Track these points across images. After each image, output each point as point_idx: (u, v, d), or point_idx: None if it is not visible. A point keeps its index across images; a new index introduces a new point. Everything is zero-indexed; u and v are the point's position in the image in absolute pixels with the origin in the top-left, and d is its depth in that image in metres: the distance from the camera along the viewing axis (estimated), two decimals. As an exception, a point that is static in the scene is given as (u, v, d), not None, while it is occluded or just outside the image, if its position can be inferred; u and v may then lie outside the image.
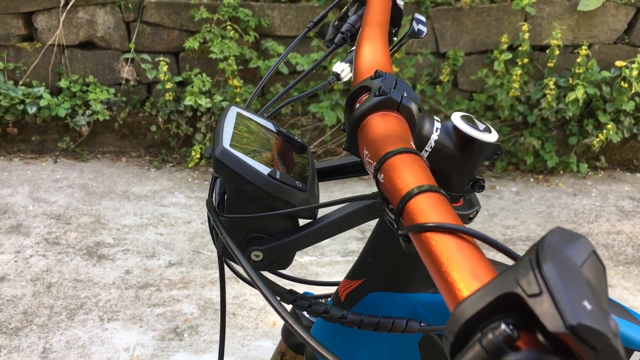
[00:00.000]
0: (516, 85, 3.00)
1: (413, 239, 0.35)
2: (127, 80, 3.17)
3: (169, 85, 3.00)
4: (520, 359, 0.25)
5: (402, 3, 0.72)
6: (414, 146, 0.41)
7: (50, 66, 3.15)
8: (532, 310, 0.24)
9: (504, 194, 2.99)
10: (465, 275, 0.30)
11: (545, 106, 3.02)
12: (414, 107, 0.46)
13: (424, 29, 0.73)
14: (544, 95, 3.04)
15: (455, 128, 0.48)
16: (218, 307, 2.11)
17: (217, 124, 0.49)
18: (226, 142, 0.46)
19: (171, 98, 3.05)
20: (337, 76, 0.66)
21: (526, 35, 2.99)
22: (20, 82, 3.13)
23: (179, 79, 3.13)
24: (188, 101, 2.94)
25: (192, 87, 2.99)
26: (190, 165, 3.04)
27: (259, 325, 2.01)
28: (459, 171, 0.49)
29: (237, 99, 3.00)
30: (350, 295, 0.57)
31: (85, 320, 2.01)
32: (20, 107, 3.04)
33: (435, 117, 0.50)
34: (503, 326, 0.26)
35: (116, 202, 2.76)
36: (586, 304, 0.24)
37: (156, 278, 2.25)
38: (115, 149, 3.27)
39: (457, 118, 0.49)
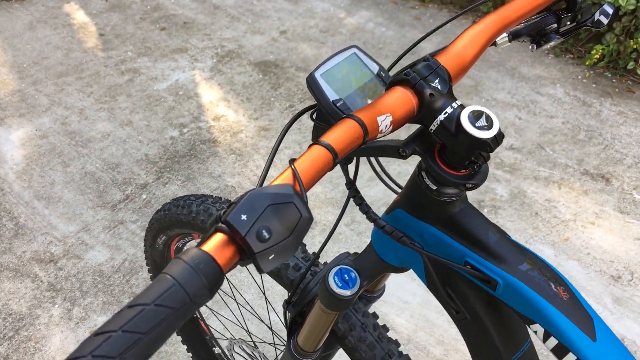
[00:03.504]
0: None
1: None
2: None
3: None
4: (223, 229, 0.48)
5: None
6: (376, 118, 0.59)
7: None
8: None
9: None
10: None
11: None
12: (426, 91, 0.61)
13: (604, 20, 0.78)
14: None
15: (458, 116, 0.61)
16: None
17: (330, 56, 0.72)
18: (319, 71, 0.66)
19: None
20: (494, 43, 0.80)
21: None
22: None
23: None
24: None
25: (623, -16, 2.82)
26: (587, 63, 2.99)
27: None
28: (456, 149, 0.63)
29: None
30: (391, 205, 0.80)
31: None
32: None
33: (454, 103, 0.62)
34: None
35: (501, 75, 2.99)
36: (244, 217, 0.46)
37: (493, 155, 2.51)
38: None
39: (467, 110, 0.61)
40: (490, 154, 0.64)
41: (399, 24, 3.43)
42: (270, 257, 0.47)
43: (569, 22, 0.80)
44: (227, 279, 1.01)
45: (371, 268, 0.84)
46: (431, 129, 0.63)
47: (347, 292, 0.81)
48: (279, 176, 0.53)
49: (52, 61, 3.15)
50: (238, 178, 2.41)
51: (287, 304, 0.97)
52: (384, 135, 0.62)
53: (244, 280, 2.02)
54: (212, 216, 0.50)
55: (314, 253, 0.93)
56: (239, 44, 3.27)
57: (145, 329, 0.41)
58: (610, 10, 0.79)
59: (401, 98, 0.62)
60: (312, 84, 0.67)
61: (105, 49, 3.24)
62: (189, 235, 1.23)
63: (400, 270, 0.83)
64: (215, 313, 1.57)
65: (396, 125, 0.62)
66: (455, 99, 0.63)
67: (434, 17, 3.49)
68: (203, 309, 1.69)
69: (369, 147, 0.69)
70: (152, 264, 1.40)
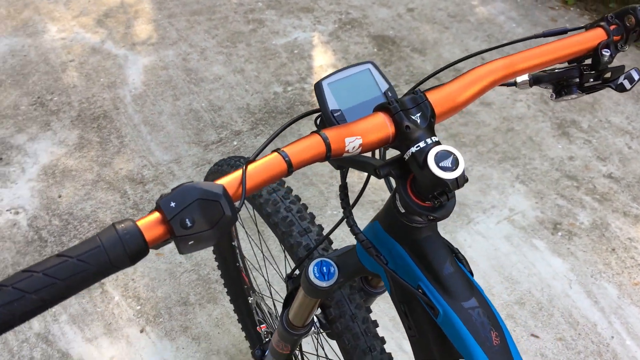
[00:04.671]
0: None
1: None
2: None
3: None
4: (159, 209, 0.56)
5: (608, 54, 0.75)
6: (344, 139, 0.63)
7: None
8: None
9: None
10: None
11: None
12: (403, 122, 0.65)
13: (628, 86, 0.75)
14: None
15: (427, 152, 0.63)
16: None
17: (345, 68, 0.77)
18: (328, 80, 0.71)
19: None
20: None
21: None
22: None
23: None
24: None
25: None
26: None
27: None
28: (421, 182, 0.66)
29: None
30: (375, 216, 0.82)
31: (505, 170, 2.41)
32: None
33: (430, 139, 0.65)
34: None
35: (624, 97, 2.80)
36: (173, 204, 0.53)
37: (587, 180, 2.40)
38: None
39: (437, 148, 0.63)
40: (457, 190, 0.66)
41: (532, 22, 3.29)
42: (189, 243, 0.55)
43: (592, 80, 0.78)
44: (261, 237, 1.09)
45: (350, 267, 0.89)
46: (405, 158, 0.67)
47: (322, 284, 0.87)
48: (230, 174, 0.60)
49: (190, -2, 3.36)
50: (324, 145, 2.49)
51: (288, 279, 1.05)
52: (351, 155, 0.67)
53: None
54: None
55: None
56: (364, 13, 3.30)
57: (62, 276, 0.50)
58: (636, 77, 0.76)
59: (378, 124, 0.66)
60: (318, 91, 0.73)
61: (239, -4, 3.40)
62: (234, 193, 1.33)
63: (374, 275, 0.88)
64: (250, 264, 1.68)
65: (367, 147, 0.66)
66: (432, 135, 0.66)
67: (572, 22, 3.31)
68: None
69: (350, 159, 0.73)
70: (207, 209, 1.53)
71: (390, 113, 0.67)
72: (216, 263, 2.00)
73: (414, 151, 0.65)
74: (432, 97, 0.68)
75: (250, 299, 1.68)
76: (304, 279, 0.89)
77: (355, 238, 0.78)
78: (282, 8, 3.31)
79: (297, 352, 1.43)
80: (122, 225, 0.54)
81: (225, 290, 1.75)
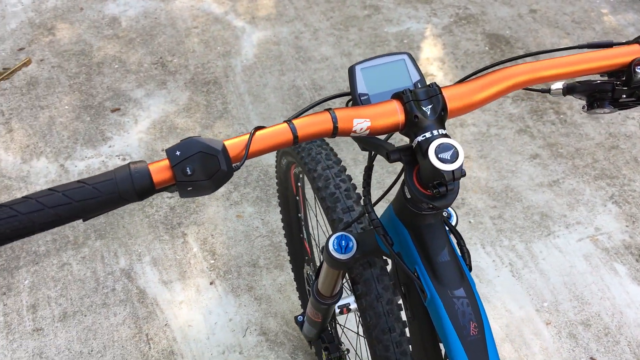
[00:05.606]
0: None
1: None
2: None
3: None
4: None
5: None
6: (352, 119, 0.69)
7: None
8: None
9: None
10: None
11: None
12: (413, 112, 0.69)
13: None
14: None
15: (429, 144, 0.67)
16: None
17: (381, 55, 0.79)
18: (361, 65, 0.75)
19: None
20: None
21: None
22: None
23: None
24: None
25: None
26: None
27: None
28: (423, 171, 0.69)
29: None
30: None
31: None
32: None
33: (437, 131, 0.67)
34: None
35: None
36: (177, 153, 0.61)
37: None
38: None
39: (440, 139, 0.66)
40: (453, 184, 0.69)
41: (664, 37, 3.06)
42: (188, 189, 0.63)
43: (625, 96, 0.77)
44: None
45: (368, 245, 0.94)
46: (412, 145, 0.71)
47: (340, 256, 0.93)
48: (239, 137, 0.67)
49: (313, -21, 3.47)
50: (414, 136, 2.51)
51: (323, 251, 1.11)
52: (358, 136, 0.71)
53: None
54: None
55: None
56: (483, 10, 3.23)
57: (77, 199, 0.60)
58: None
59: (388, 111, 0.70)
60: (350, 74, 0.78)
61: (361, -19, 3.46)
62: (298, 166, 1.41)
63: (387, 255, 0.93)
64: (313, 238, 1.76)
65: (375, 131, 0.71)
66: (440, 128, 0.69)
67: None
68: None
69: (365, 140, 0.78)
70: (279, 178, 1.63)
71: (403, 102, 0.71)
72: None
73: (419, 140, 0.69)
74: (447, 92, 0.72)
75: (305, 270, 1.77)
76: (325, 250, 0.96)
77: (367, 217, 0.83)
78: (401, -3, 3.33)
79: (335, 325, 1.49)
80: (136, 165, 0.63)
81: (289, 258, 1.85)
